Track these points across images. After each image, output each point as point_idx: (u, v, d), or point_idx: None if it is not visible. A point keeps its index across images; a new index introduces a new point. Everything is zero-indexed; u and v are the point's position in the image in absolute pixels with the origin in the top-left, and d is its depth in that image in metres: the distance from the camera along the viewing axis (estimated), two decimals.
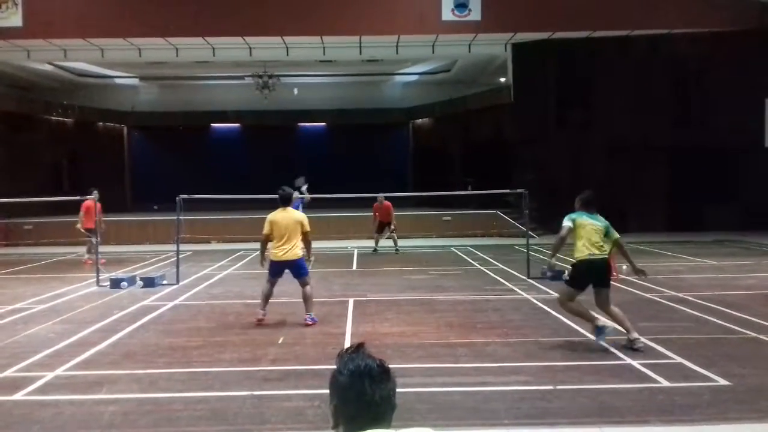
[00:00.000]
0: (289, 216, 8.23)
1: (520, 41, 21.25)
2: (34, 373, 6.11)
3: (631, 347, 6.63)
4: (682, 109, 21.08)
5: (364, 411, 1.66)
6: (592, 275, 7.01)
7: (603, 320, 6.99)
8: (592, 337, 7.13)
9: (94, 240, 13.48)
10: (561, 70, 21.41)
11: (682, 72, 21.10)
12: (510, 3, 19.67)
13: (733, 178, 20.85)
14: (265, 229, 8.26)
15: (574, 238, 7.14)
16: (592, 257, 6.96)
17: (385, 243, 17.03)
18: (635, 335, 6.71)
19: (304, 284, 8.34)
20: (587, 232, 7.05)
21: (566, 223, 7.21)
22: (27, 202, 15.94)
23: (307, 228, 8.25)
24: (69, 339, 7.46)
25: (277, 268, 8.32)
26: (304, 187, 14.54)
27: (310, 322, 8.13)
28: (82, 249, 15.38)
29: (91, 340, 7.38)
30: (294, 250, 8.20)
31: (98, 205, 14.28)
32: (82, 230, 14.56)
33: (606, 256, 7.10)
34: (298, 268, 8.32)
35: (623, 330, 6.82)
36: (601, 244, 7.07)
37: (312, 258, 8.62)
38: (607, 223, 7.22)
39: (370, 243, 18.59)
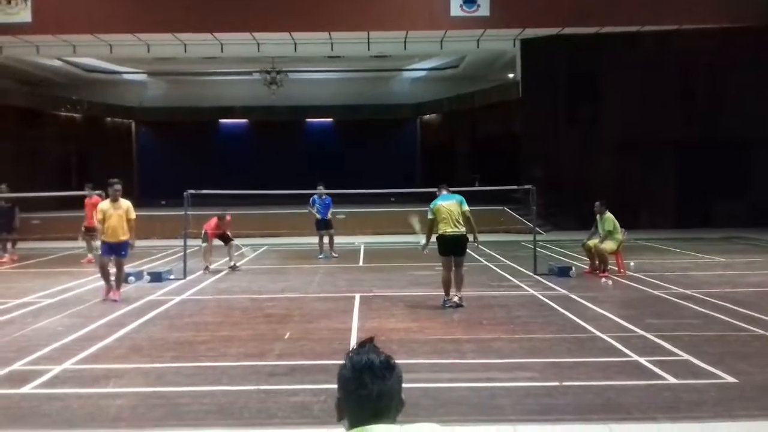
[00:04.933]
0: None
1: (528, 37, 21.17)
2: (42, 366, 6.15)
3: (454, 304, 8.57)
4: (690, 105, 20.95)
5: (362, 405, 1.66)
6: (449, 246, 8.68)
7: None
8: (597, 333, 7.14)
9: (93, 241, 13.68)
10: (570, 66, 21.32)
11: (691, 68, 20.96)
12: None
13: (742, 174, 20.73)
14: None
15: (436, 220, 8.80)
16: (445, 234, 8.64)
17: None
18: (457, 296, 8.66)
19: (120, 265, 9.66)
20: (441, 213, 8.71)
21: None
22: (35, 197, 16.00)
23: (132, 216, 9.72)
24: (77, 333, 7.50)
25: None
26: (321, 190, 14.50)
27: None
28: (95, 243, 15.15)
29: (99, 334, 7.42)
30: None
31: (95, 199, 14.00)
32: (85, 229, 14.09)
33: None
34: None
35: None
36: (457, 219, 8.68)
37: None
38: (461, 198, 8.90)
39: (378, 239, 18.61)
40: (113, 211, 9.50)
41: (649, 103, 20.84)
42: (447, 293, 8.79)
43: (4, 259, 14.51)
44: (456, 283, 8.74)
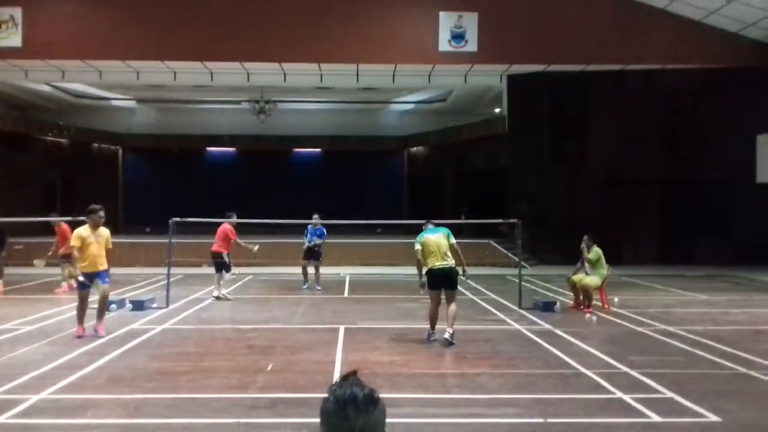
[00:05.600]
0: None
1: (515, 73, 21.52)
2: (18, 395, 6.02)
3: (445, 341, 8.36)
4: (674, 143, 21.30)
5: None
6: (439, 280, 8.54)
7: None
8: (582, 369, 7.14)
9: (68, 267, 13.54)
10: (555, 102, 21.65)
11: (674, 107, 21.36)
12: (506, 35, 19.96)
13: (725, 213, 20.99)
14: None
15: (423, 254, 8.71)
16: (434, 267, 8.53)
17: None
18: (448, 332, 8.40)
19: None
20: (429, 246, 8.63)
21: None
22: (18, 222, 15.84)
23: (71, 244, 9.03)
24: (56, 361, 7.37)
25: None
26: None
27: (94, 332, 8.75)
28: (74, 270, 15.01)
29: (78, 363, 7.29)
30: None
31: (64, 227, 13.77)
32: (61, 256, 13.75)
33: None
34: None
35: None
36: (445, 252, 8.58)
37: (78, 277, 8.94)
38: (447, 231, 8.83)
39: (364, 270, 18.57)
40: (93, 239, 8.86)
41: (634, 140, 21.15)
42: (432, 327, 8.66)
43: None
44: (448, 317, 8.48)
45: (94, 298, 9.43)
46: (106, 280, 9.08)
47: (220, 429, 5.21)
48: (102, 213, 9.06)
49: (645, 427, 5.35)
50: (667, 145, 21.34)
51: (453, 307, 8.54)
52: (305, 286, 14.23)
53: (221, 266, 12.84)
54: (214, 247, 12.96)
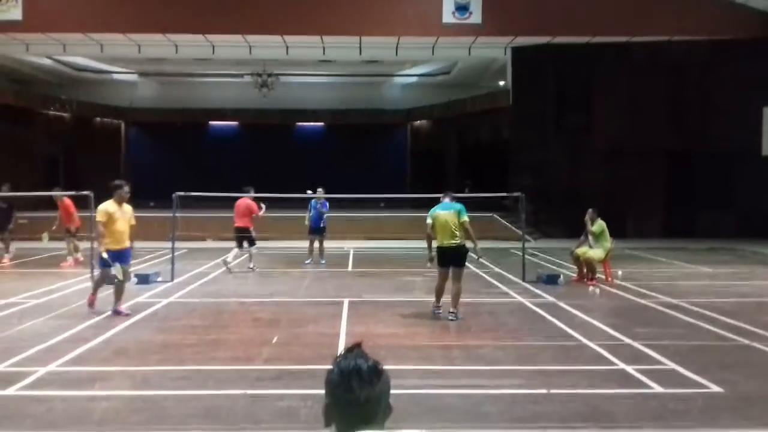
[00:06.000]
0: None
1: (520, 45, 21.29)
2: (26, 368, 6.09)
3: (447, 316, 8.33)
4: (679, 115, 21.14)
5: (351, 410, 1.66)
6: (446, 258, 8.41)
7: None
8: (585, 341, 7.18)
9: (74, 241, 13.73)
10: (560, 75, 21.46)
11: (680, 79, 21.16)
12: (511, 7, 19.71)
13: (729, 185, 20.91)
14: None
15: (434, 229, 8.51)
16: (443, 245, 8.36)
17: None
18: (451, 310, 8.34)
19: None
20: (439, 223, 8.41)
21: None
22: (22, 196, 15.85)
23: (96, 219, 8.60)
24: (62, 334, 7.43)
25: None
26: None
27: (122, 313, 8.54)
28: (78, 244, 15.03)
29: (85, 336, 7.36)
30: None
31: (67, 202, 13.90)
32: (72, 230, 13.94)
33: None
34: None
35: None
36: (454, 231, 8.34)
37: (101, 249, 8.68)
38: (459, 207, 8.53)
39: (367, 244, 18.61)
40: (120, 215, 8.58)
41: (639, 112, 20.99)
42: (437, 300, 8.58)
43: (4, 260, 14.34)
44: (452, 296, 8.38)
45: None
46: (129, 261, 8.88)
47: (226, 400, 5.27)
48: (127, 189, 8.74)
49: (647, 397, 5.39)
50: (672, 117, 21.19)
51: (457, 287, 8.39)
52: (308, 261, 14.24)
53: (248, 240, 13.04)
54: (240, 223, 13.03)
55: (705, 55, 20.58)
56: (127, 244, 8.72)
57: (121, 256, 8.60)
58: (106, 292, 9.99)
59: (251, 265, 13.10)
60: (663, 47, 20.67)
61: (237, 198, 13.37)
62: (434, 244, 8.58)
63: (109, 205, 8.56)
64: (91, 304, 8.79)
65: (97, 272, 9.22)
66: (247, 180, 14.30)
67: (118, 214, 8.55)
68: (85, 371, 6.08)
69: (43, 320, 8.26)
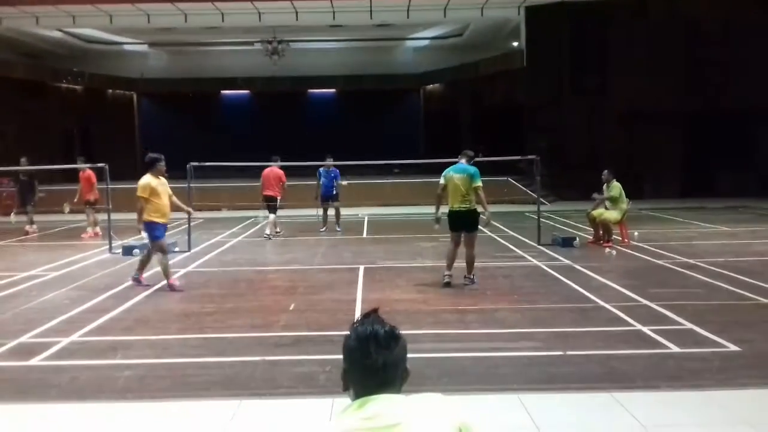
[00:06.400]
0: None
1: (533, 4, 20.88)
2: (49, 339, 6.20)
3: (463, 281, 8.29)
4: (697, 74, 20.72)
5: (368, 375, 1.67)
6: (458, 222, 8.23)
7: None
8: (601, 302, 7.18)
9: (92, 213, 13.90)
10: (575, 35, 21.07)
11: (698, 37, 20.70)
12: None
13: (748, 143, 20.58)
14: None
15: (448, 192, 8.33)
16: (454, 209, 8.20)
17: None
18: (468, 275, 8.31)
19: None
20: (451, 185, 8.21)
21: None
22: (39, 169, 15.99)
23: (137, 194, 8.40)
24: (83, 305, 7.55)
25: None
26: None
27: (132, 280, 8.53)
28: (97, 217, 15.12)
29: (105, 307, 7.47)
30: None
31: (88, 173, 14.04)
32: (92, 201, 14.07)
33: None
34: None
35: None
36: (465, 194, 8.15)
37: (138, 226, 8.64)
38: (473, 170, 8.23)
39: (382, 210, 18.62)
40: (162, 188, 8.45)
41: (656, 72, 20.60)
42: (448, 267, 8.33)
43: (29, 231, 14.65)
44: (466, 263, 8.26)
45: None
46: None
47: (246, 366, 5.34)
48: (164, 162, 8.62)
49: (664, 357, 5.40)
50: (690, 76, 20.77)
51: (470, 253, 8.26)
52: (323, 229, 14.27)
53: (274, 208, 13.37)
54: (269, 192, 13.36)
55: (723, 12, 20.06)
56: (169, 216, 8.62)
57: (164, 229, 8.54)
58: (121, 264, 10.13)
59: (268, 232, 13.28)
60: (680, 4, 20.18)
61: (251, 167, 13.42)
62: (445, 208, 8.42)
63: (150, 180, 8.42)
64: (137, 281, 8.65)
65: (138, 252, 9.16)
66: (260, 148, 14.33)
67: (160, 187, 8.46)
68: (107, 341, 6.18)
69: (63, 291, 8.39)
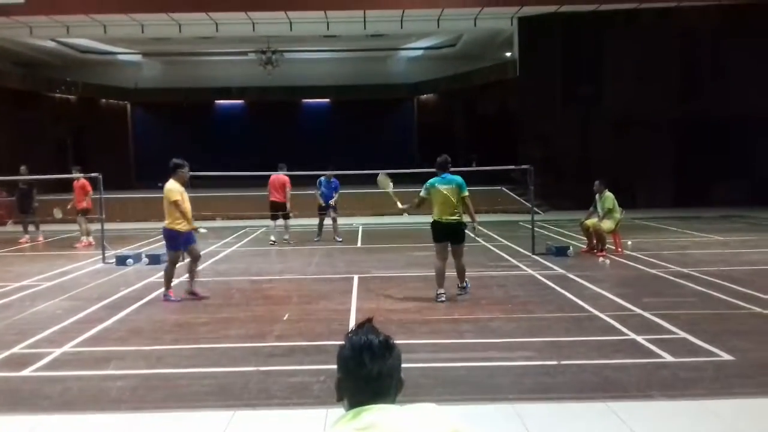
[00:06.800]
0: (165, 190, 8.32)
1: (526, 15, 20.99)
2: (41, 349, 6.16)
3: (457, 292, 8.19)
4: (692, 83, 20.86)
5: (362, 385, 1.67)
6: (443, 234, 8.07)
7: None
8: (595, 312, 7.19)
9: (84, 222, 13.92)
10: (568, 45, 21.19)
11: (690, 46, 20.87)
12: None
13: (741, 152, 20.68)
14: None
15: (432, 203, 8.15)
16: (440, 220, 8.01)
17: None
18: (460, 285, 8.20)
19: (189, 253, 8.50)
20: (438, 197, 8.00)
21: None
22: (32, 179, 15.94)
23: (171, 198, 8.19)
24: (76, 315, 7.51)
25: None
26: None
27: (164, 300, 8.27)
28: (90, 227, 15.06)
29: (98, 317, 7.43)
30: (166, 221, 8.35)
31: (83, 182, 14.01)
32: (82, 210, 14.03)
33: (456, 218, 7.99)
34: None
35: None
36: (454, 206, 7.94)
37: (200, 229, 8.64)
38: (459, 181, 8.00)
39: (376, 220, 18.62)
40: (185, 195, 8.31)
41: (649, 81, 20.73)
42: (440, 285, 8.01)
43: (22, 240, 14.63)
44: (457, 273, 8.17)
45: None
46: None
47: (239, 377, 5.32)
48: (188, 168, 8.49)
49: (658, 366, 5.40)
50: (683, 85, 20.92)
51: (460, 264, 8.14)
52: (317, 239, 14.24)
53: (286, 215, 13.76)
54: (276, 197, 13.71)
55: (717, 21, 20.21)
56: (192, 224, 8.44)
57: (189, 237, 8.43)
58: (114, 274, 10.10)
59: (286, 237, 13.82)
60: (674, 13, 20.32)
61: (245, 177, 13.48)
62: (430, 218, 8.20)
63: (176, 185, 8.27)
64: (172, 299, 8.31)
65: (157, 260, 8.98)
66: (254, 158, 14.46)
67: (185, 194, 8.36)
68: (100, 351, 6.15)
69: (56, 302, 8.35)
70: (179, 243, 8.38)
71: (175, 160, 8.45)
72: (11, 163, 15.73)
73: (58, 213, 14.77)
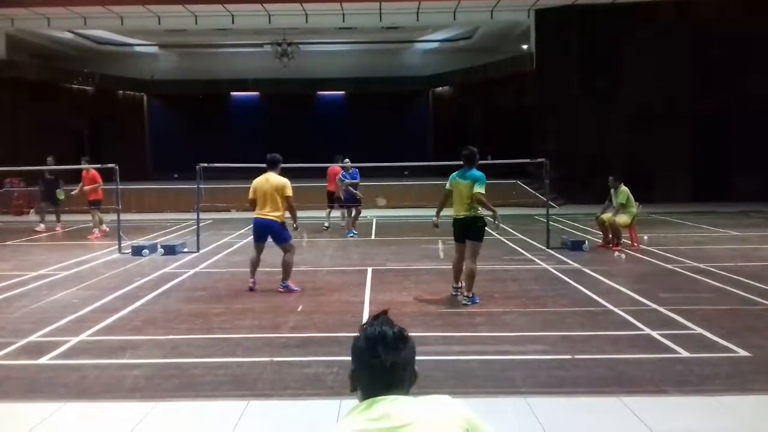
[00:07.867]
0: (268, 181, 8.27)
1: (543, 7, 20.86)
2: (58, 338, 6.23)
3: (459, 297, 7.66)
4: (710, 76, 20.60)
5: (376, 376, 1.68)
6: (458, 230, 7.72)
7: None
8: (610, 306, 7.15)
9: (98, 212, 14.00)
10: (585, 37, 21.01)
11: (708, 39, 20.58)
12: None
13: (760, 146, 20.41)
14: (250, 194, 8.46)
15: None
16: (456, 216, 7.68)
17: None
18: (466, 293, 7.52)
19: (283, 251, 8.39)
20: (454, 192, 7.69)
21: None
22: (57, 169, 16.09)
23: (288, 193, 8.25)
24: (92, 305, 7.59)
25: (255, 232, 8.47)
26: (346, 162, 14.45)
27: (282, 290, 8.24)
28: (103, 216, 15.16)
29: (114, 306, 7.50)
30: (270, 213, 8.25)
31: (92, 173, 14.13)
32: (93, 202, 14.11)
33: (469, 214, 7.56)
34: (273, 232, 8.35)
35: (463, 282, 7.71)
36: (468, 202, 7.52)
37: (295, 225, 8.59)
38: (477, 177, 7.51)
39: (390, 212, 18.62)
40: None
41: (666, 74, 20.51)
42: (456, 279, 7.86)
43: (39, 228, 14.81)
44: (465, 277, 7.57)
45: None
46: None
47: (253, 367, 5.35)
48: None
49: (673, 362, 5.36)
50: (701, 78, 20.66)
51: (470, 267, 7.46)
52: (351, 234, 14.05)
53: (340, 202, 14.45)
54: (331, 187, 14.89)
55: (733, 14, 19.94)
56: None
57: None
58: (130, 264, 10.19)
59: (344, 224, 14.62)
60: (690, 6, 20.08)
61: (261, 169, 13.48)
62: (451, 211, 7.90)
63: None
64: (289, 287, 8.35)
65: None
66: (269, 149, 14.39)
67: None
68: (116, 340, 6.21)
69: (73, 291, 8.44)
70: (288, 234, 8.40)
71: (276, 155, 8.49)
72: (29, 153, 15.88)
73: (60, 194, 14.98)
